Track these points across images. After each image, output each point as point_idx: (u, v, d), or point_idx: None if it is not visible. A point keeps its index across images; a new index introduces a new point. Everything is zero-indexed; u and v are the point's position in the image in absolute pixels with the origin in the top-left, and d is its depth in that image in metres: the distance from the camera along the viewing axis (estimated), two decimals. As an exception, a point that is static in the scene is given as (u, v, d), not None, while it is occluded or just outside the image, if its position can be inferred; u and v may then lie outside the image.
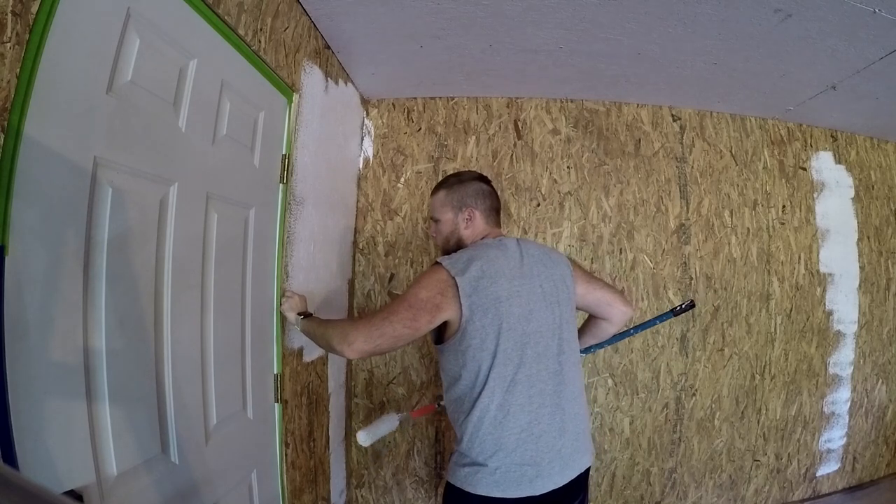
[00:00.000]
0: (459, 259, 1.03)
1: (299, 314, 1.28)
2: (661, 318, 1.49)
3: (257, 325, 1.26)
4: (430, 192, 1.31)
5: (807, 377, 2.20)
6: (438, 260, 1.05)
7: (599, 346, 1.42)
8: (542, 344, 1.03)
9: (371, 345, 0.98)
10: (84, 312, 0.72)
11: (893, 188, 2.37)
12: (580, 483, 1.06)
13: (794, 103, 2.05)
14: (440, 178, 2.09)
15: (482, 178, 1.19)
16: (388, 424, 1.46)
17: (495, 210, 1.18)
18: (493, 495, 0.96)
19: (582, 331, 1.33)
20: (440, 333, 1.06)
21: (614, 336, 1.36)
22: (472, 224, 1.15)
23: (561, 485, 1.00)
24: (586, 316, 1.32)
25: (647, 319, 1.55)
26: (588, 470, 1.09)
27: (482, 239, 1.13)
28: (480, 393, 0.99)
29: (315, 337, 1.17)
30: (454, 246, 1.17)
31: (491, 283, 1.00)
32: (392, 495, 2.06)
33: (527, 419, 0.99)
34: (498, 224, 1.19)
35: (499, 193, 1.80)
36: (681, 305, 1.46)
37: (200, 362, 1.03)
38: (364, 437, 1.41)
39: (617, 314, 1.24)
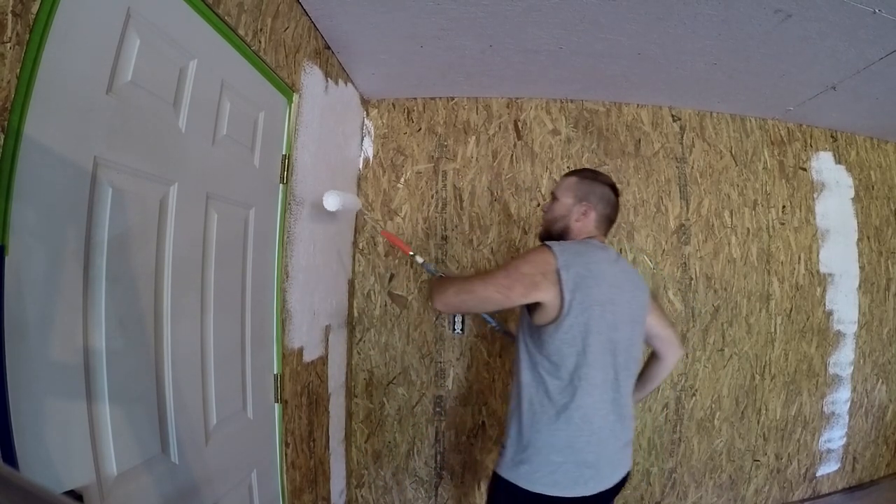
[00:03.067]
0: (568, 250, 1.05)
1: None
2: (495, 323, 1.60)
3: (257, 325, 1.26)
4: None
5: (807, 377, 2.20)
6: (548, 244, 1.06)
7: (496, 324, 1.58)
8: (619, 356, 1.06)
9: (457, 298, 1.06)
10: (84, 312, 0.72)
11: (893, 188, 2.37)
12: (617, 488, 1.09)
13: (794, 103, 2.05)
14: (440, 178, 2.09)
15: (613, 188, 1.19)
16: (354, 202, 1.56)
17: (609, 220, 1.19)
18: (551, 494, 0.99)
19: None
20: (531, 313, 1.07)
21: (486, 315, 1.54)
22: (584, 219, 1.15)
23: (608, 487, 1.03)
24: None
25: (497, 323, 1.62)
26: (628, 475, 1.12)
27: (589, 238, 1.15)
28: (563, 390, 1.01)
29: (432, 286, 1.21)
30: (558, 230, 1.18)
31: (595, 285, 1.02)
32: (392, 495, 2.06)
33: (599, 423, 1.02)
34: (606, 233, 1.19)
35: (498, 193, 1.83)
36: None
37: (200, 362, 1.03)
38: (332, 199, 1.39)
39: (672, 354, 1.27)
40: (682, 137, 2.16)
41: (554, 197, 1.21)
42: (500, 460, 1.08)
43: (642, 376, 1.30)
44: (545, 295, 1.01)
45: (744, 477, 2.14)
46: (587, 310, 1.00)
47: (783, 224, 2.20)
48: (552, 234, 1.19)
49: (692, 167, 2.15)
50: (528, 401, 1.05)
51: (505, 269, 1.05)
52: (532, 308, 1.06)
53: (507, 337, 1.66)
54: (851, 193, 2.31)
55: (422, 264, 1.48)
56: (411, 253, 1.48)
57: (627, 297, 1.09)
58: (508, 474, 1.04)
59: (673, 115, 2.16)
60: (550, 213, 1.20)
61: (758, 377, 2.15)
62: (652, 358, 1.31)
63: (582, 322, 1.00)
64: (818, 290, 2.22)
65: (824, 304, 2.23)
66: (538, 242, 1.15)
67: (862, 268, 2.28)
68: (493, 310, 1.08)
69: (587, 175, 1.19)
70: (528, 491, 1.00)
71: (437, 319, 2.04)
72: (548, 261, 1.02)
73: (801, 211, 2.23)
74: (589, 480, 1.01)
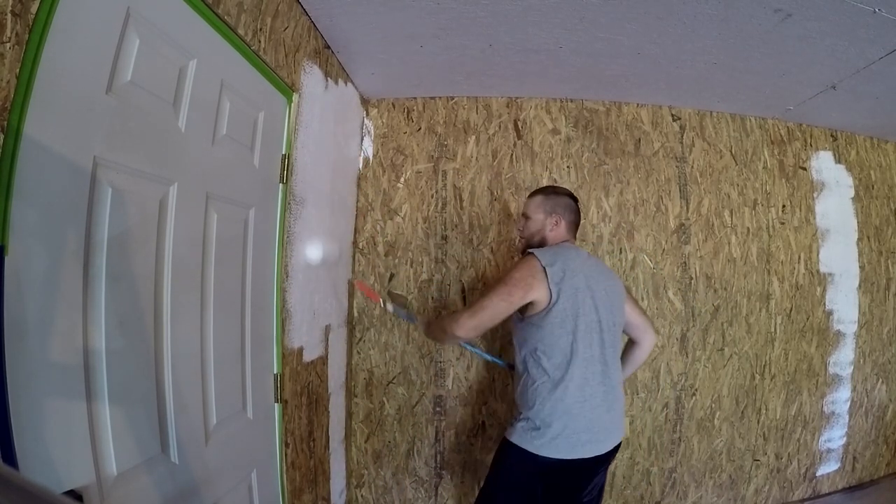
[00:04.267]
0: (548, 252, 1.27)
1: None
2: (493, 359, 1.80)
3: (257, 325, 1.26)
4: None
5: (807, 377, 2.20)
6: (531, 251, 1.28)
7: (482, 353, 1.81)
8: (604, 334, 1.25)
9: (476, 320, 1.21)
10: (84, 312, 0.72)
11: (893, 188, 2.37)
12: (612, 454, 1.27)
13: (794, 103, 2.05)
14: (440, 178, 2.09)
15: (572, 197, 1.41)
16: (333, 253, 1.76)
17: (576, 224, 1.41)
18: (553, 456, 1.17)
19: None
20: (521, 311, 1.26)
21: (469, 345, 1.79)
22: (556, 229, 1.36)
23: (602, 452, 1.21)
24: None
25: (486, 354, 1.82)
26: (620, 443, 1.29)
27: (563, 242, 1.35)
28: (558, 365, 1.20)
29: (432, 329, 1.42)
30: (537, 243, 1.38)
31: (574, 276, 1.23)
32: (392, 495, 2.06)
33: (589, 392, 1.20)
34: (575, 236, 1.41)
35: (498, 193, 1.90)
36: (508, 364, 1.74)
37: (200, 362, 1.03)
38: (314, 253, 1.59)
39: (647, 340, 1.46)
40: (682, 137, 2.15)
41: (526, 217, 1.41)
42: (511, 429, 1.26)
43: (622, 361, 1.45)
44: (538, 292, 1.21)
45: (744, 477, 2.14)
46: (573, 295, 1.21)
47: (783, 224, 2.20)
48: (532, 247, 1.37)
49: (692, 167, 2.15)
50: (530, 380, 1.24)
51: (502, 282, 1.23)
52: (523, 307, 1.24)
53: (510, 370, 1.82)
54: (851, 193, 2.31)
55: (393, 312, 1.65)
56: (381, 300, 1.68)
57: (604, 286, 1.30)
58: (518, 440, 1.21)
59: (673, 115, 2.16)
60: (527, 231, 1.41)
61: (758, 377, 2.15)
62: (629, 344, 1.49)
63: (570, 306, 1.21)
64: (818, 289, 2.22)
65: (824, 304, 2.23)
66: (519, 256, 1.32)
67: (862, 267, 2.28)
68: (503, 317, 1.23)
69: (549, 191, 1.41)
70: (535, 455, 1.18)
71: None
72: (534, 264, 1.23)
73: (801, 210, 2.23)
74: (586, 444, 1.18)
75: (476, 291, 2.04)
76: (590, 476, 1.26)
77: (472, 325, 1.22)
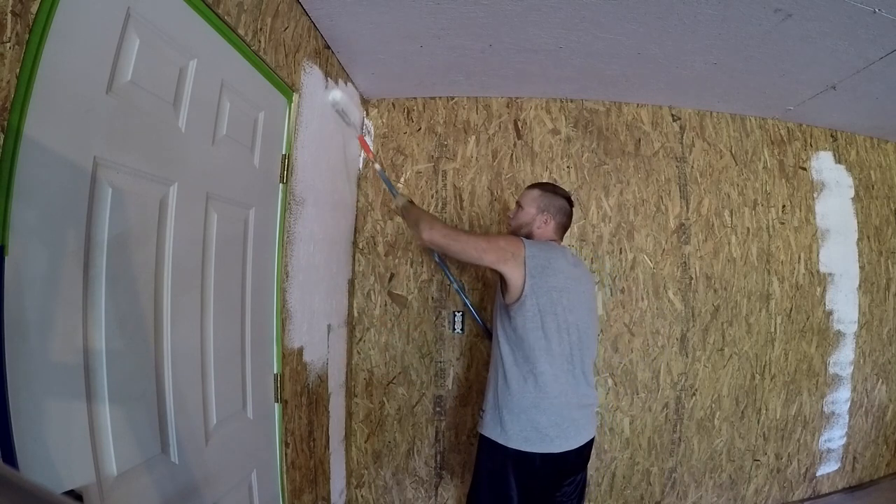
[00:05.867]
0: (536, 244, 1.29)
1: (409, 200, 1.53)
2: (472, 309, 1.88)
3: (257, 325, 1.26)
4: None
5: (807, 377, 2.20)
6: (522, 238, 1.30)
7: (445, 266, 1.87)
8: (575, 334, 1.27)
9: (444, 241, 1.26)
10: (84, 312, 0.72)
11: (893, 188, 2.37)
12: (585, 453, 1.30)
13: (794, 103, 2.05)
14: (440, 178, 2.10)
15: (569, 200, 1.44)
16: (354, 112, 1.83)
17: (565, 227, 1.44)
18: (523, 449, 1.19)
19: None
20: (503, 293, 1.29)
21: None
22: (545, 227, 1.38)
23: (573, 448, 1.23)
24: None
25: (467, 299, 1.92)
26: (592, 442, 1.31)
27: (548, 241, 1.37)
28: (527, 359, 1.22)
29: (410, 213, 1.43)
30: (524, 235, 1.39)
31: (553, 274, 1.25)
32: (392, 495, 2.06)
33: (559, 388, 1.22)
34: (562, 238, 1.44)
35: (498, 193, 1.91)
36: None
37: (200, 362, 1.03)
38: (337, 95, 1.65)
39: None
40: (682, 137, 2.15)
41: (519, 205, 1.44)
42: (481, 422, 1.29)
43: None
44: (511, 272, 1.23)
45: (744, 477, 2.14)
46: (545, 294, 1.23)
47: (783, 224, 2.20)
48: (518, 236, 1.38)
49: (692, 167, 2.15)
50: (501, 369, 1.27)
51: (486, 237, 1.29)
52: (503, 288, 1.28)
53: (484, 331, 1.93)
54: (851, 193, 2.30)
55: (379, 172, 1.71)
56: (374, 159, 1.78)
57: (583, 289, 1.34)
58: (489, 433, 1.25)
59: (673, 115, 2.16)
60: (516, 220, 1.43)
61: (758, 377, 2.15)
62: None
63: (545, 302, 1.23)
64: (818, 289, 2.22)
65: (824, 304, 2.22)
66: None
67: (862, 267, 2.28)
68: (465, 261, 1.28)
69: (548, 189, 1.43)
70: (505, 447, 1.21)
71: (437, 319, 2.04)
72: (520, 246, 1.25)
73: (801, 210, 2.23)
74: (555, 439, 1.20)
75: (476, 291, 2.04)
76: (564, 473, 1.27)
77: (439, 242, 1.27)
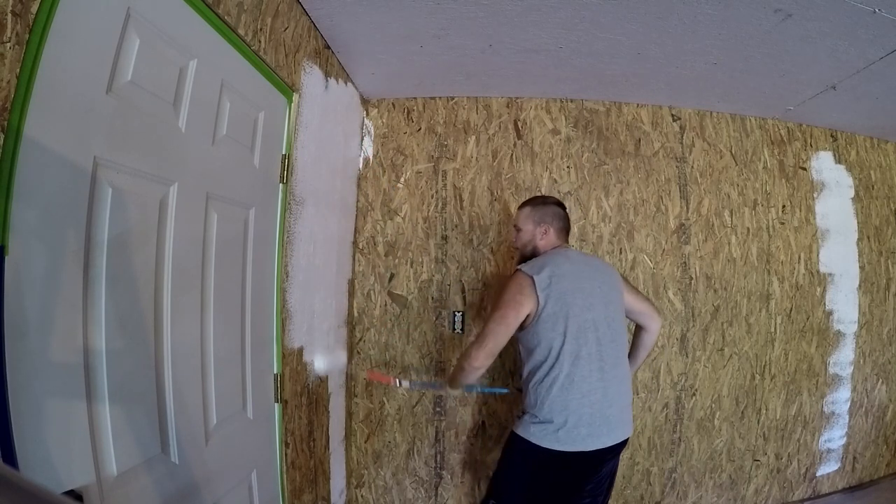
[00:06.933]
0: (534, 265, 1.34)
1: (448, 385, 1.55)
2: (494, 390, 1.88)
3: (257, 325, 1.26)
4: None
5: (807, 377, 2.20)
6: (518, 267, 1.36)
7: (482, 388, 1.88)
8: (599, 331, 1.30)
9: (485, 349, 1.30)
10: (84, 312, 0.72)
11: (893, 188, 2.37)
12: (618, 449, 1.32)
13: (794, 103, 2.05)
14: (440, 178, 2.10)
15: (560, 204, 1.49)
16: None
17: (565, 230, 1.48)
18: (556, 448, 1.24)
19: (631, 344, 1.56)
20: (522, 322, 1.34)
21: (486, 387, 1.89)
22: (546, 237, 1.44)
23: (605, 446, 1.26)
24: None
25: (487, 388, 1.89)
26: (627, 440, 1.34)
27: (553, 249, 1.43)
28: (553, 365, 1.27)
29: (455, 377, 1.44)
30: (530, 251, 1.46)
31: (560, 280, 1.30)
32: (392, 495, 2.06)
33: (586, 388, 1.26)
34: (566, 240, 1.49)
35: (498, 193, 1.92)
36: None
37: (200, 362, 1.03)
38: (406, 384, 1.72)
39: (654, 323, 1.51)
40: (682, 137, 2.15)
41: (517, 228, 1.50)
42: (518, 422, 1.34)
43: (633, 348, 1.55)
44: (529, 307, 1.29)
45: (744, 477, 2.14)
46: (560, 299, 1.28)
47: (783, 224, 2.20)
48: (526, 256, 1.47)
49: (692, 167, 2.15)
50: (532, 378, 1.32)
51: (496, 308, 1.33)
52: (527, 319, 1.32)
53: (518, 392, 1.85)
54: (851, 193, 2.30)
55: (411, 387, 1.82)
56: (397, 381, 1.68)
57: (598, 283, 1.36)
58: (523, 433, 1.30)
59: (673, 115, 2.16)
60: (519, 242, 1.50)
61: (758, 377, 2.15)
62: (637, 330, 1.55)
63: (559, 309, 1.27)
64: (818, 289, 2.22)
65: (824, 304, 2.22)
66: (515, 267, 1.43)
67: (862, 268, 2.28)
68: (508, 337, 1.31)
69: (537, 202, 1.49)
70: (537, 446, 1.25)
71: (437, 319, 2.04)
72: (520, 279, 1.32)
73: (801, 211, 2.23)
74: (586, 437, 1.24)
75: (476, 291, 2.04)
76: (593, 468, 1.31)
77: (483, 354, 1.30)
